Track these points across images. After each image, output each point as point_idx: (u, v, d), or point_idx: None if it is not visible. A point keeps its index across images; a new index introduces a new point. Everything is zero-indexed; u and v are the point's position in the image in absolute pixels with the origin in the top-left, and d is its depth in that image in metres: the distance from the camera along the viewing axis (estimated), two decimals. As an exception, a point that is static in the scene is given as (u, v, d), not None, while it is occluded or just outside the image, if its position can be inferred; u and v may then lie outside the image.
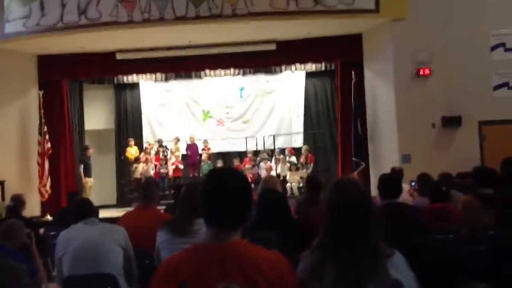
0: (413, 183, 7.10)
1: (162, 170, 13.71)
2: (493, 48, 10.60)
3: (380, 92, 11.51)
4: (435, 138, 10.51)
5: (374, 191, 4.98)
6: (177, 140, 14.24)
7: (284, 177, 13.17)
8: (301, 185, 12.94)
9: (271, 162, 13.82)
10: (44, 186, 11.67)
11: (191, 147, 14.18)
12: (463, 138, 10.47)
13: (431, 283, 2.26)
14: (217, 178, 1.98)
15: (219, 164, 13.86)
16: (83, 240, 3.67)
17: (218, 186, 1.94)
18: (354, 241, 2.03)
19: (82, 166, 12.62)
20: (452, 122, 10.46)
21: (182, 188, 4.28)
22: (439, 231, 4.24)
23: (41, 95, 12.03)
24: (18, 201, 6.79)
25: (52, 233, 6.42)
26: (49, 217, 11.13)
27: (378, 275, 1.98)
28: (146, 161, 13.49)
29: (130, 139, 14.31)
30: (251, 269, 1.85)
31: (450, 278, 3.08)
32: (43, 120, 11.82)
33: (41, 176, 11.66)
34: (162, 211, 5.24)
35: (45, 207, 11.85)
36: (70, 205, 7.61)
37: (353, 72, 12.12)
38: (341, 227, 2.07)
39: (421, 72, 10.62)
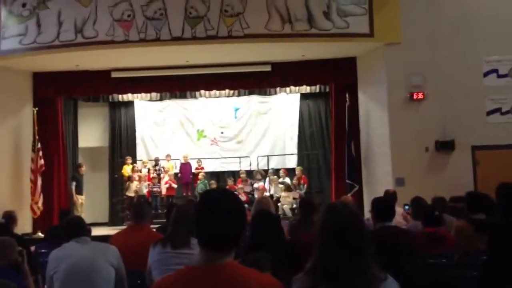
0: (406, 207, 7.11)
1: (155, 189, 13.65)
2: (486, 74, 10.71)
3: (373, 115, 11.58)
4: (429, 162, 10.56)
5: (367, 213, 4.99)
6: (169, 157, 14.23)
7: (278, 198, 13.15)
8: (294, 206, 12.91)
9: (264, 182, 13.80)
10: (36, 203, 11.60)
11: (184, 166, 14.17)
12: (456, 162, 10.52)
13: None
14: (211, 201, 1.97)
15: (213, 183, 13.84)
16: (75, 259, 3.64)
17: (212, 209, 1.93)
18: (346, 265, 2.04)
19: (74, 183, 12.59)
20: (445, 146, 10.52)
21: (174, 208, 4.30)
22: (432, 255, 4.25)
23: (35, 112, 12.02)
24: (10, 218, 6.73)
25: (43, 250, 6.36)
26: (40, 234, 11.03)
27: (371, 300, 1.98)
28: (140, 180, 13.44)
29: (127, 157, 14.28)
30: None
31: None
32: (37, 137, 11.79)
33: (33, 193, 11.59)
34: (154, 230, 5.21)
35: (37, 224, 11.76)
36: (61, 223, 7.54)
37: (347, 95, 12.21)
38: (333, 251, 2.07)
39: (415, 96, 10.70)
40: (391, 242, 3.81)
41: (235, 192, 13.02)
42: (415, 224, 5.36)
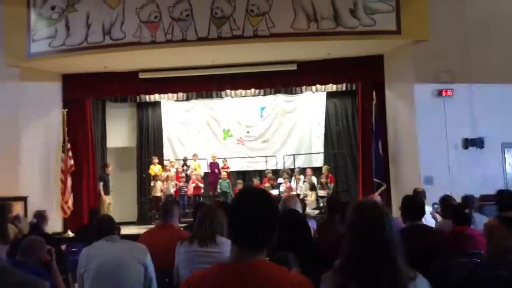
0: (436, 205, 7.02)
1: (183, 188, 13.77)
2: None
3: (401, 113, 11.46)
4: (458, 160, 10.39)
5: (395, 212, 4.93)
6: (196, 157, 14.32)
7: (304, 197, 13.11)
8: (321, 205, 12.86)
9: (290, 182, 13.78)
10: (66, 202, 11.81)
11: (213, 165, 14.25)
12: (486, 160, 10.33)
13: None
14: (247, 199, 1.98)
15: (239, 183, 13.87)
16: (105, 257, 3.70)
17: (247, 207, 1.94)
18: (376, 264, 2.02)
19: (101, 183, 12.76)
20: (474, 143, 10.34)
21: (200, 207, 4.33)
22: (462, 254, 4.18)
23: (65, 113, 12.22)
24: (41, 218, 6.87)
25: (73, 249, 6.49)
26: (70, 233, 11.22)
27: (401, 298, 1.96)
28: (167, 179, 13.57)
29: (154, 157, 14.43)
30: None
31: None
32: (66, 138, 11.99)
33: (63, 193, 11.80)
34: (182, 229, 5.24)
35: (67, 223, 11.96)
36: (92, 222, 7.68)
37: (374, 93, 12.09)
38: (363, 249, 2.06)
39: (443, 93, 10.55)
40: (421, 241, 3.77)
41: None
42: (445, 223, 5.29)
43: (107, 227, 3.94)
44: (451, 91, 10.53)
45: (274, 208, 2.00)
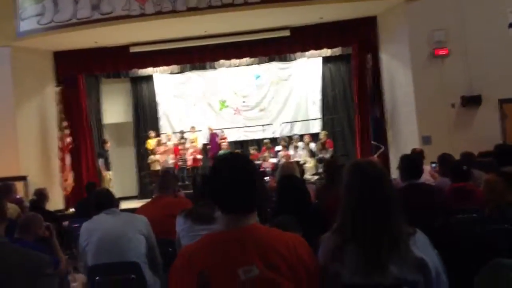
0: (433, 165, 7.03)
1: (182, 161, 13.78)
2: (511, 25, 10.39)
3: (397, 74, 11.39)
4: (455, 118, 10.37)
5: (394, 173, 4.92)
6: (194, 129, 14.29)
7: (303, 163, 13.12)
8: (319, 170, 12.89)
9: (288, 149, 13.78)
10: (66, 180, 11.84)
11: (213, 136, 14.23)
12: (483, 117, 10.31)
13: (455, 264, 2.23)
14: (224, 164, 1.98)
15: (238, 152, 13.84)
16: (106, 230, 3.71)
17: (226, 172, 1.93)
18: (374, 222, 2.02)
19: (101, 160, 12.78)
20: (472, 101, 10.30)
21: (196, 177, 4.30)
22: (461, 211, 4.20)
23: (58, 90, 12.14)
24: (41, 195, 6.89)
25: (75, 225, 6.52)
26: (72, 210, 11.27)
27: (400, 254, 1.96)
28: (164, 153, 13.58)
29: (150, 131, 14.40)
30: (271, 252, 1.85)
31: (475, 258, 3.04)
32: (62, 116, 11.94)
33: (62, 171, 11.82)
34: (180, 198, 5.22)
35: (68, 200, 12.01)
36: (89, 196, 7.70)
37: (369, 56, 12.01)
38: (361, 209, 2.05)
39: (439, 52, 10.46)
40: (420, 199, 3.77)
41: (259, 161, 13.19)
42: (443, 181, 5.28)
43: (106, 201, 3.94)
44: (447, 50, 10.43)
45: (253, 167, 2.00)
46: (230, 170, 1.94)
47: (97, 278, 3.48)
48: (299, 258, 1.88)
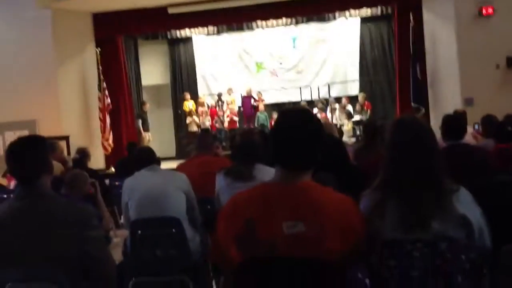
0: (476, 126, 6.86)
1: (219, 123, 13.87)
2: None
3: (440, 34, 11.06)
4: (499, 79, 10.05)
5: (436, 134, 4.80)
6: (231, 91, 14.29)
7: (341, 126, 13.03)
8: (357, 133, 12.78)
9: (326, 111, 13.67)
10: (107, 140, 12.07)
11: (246, 99, 14.20)
12: (528, 78, 9.97)
13: (497, 223, 2.19)
14: (289, 118, 1.94)
15: (275, 115, 13.84)
16: (148, 186, 3.78)
17: (290, 126, 1.90)
18: (417, 177, 1.99)
19: (140, 121, 12.99)
20: (517, 62, 9.96)
21: (236, 137, 4.30)
22: (505, 172, 4.09)
23: (98, 52, 12.28)
24: (83, 154, 7.05)
25: (116, 183, 6.68)
26: (113, 170, 11.53)
27: (443, 210, 1.94)
28: (201, 114, 13.69)
29: (186, 93, 14.49)
30: (319, 211, 1.84)
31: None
32: (101, 77, 12.10)
33: (103, 131, 12.05)
34: (219, 156, 5.26)
35: (109, 160, 12.28)
36: (130, 155, 7.85)
37: (411, 15, 11.66)
38: (404, 164, 2.03)
39: (484, 12, 10.09)
40: (462, 159, 3.69)
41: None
42: (487, 143, 5.15)
43: (147, 157, 4.01)
44: (492, 8, 10.03)
45: (318, 125, 1.95)
46: (293, 123, 1.90)
47: (139, 232, 3.57)
48: (350, 222, 1.86)
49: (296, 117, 1.93)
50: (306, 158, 1.90)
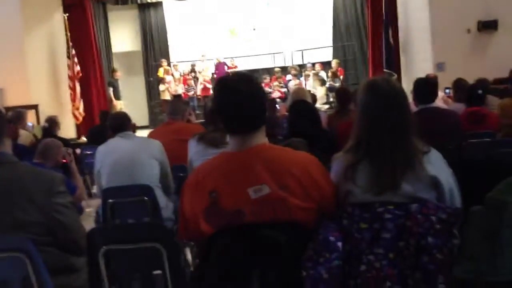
0: (447, 90, 6.93)
1: (191, 90, 13.72)
2: None
3: (412, -1, 11.04)
4: (471, 44, 10.12)
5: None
6: (204, 57, 14.11)
7: (315, 92, 13.01)
8: (331, 99, 12.80)
9: (299, 78, 13.63)
10: (77, 109, 11.86)
11: (219, 66, 14.05)
12: (499, 43, 10.04)
13: (467, 183, 2.21)
14: (227, 84, 1.95)
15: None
16: (120, 153, 3.72)
17: (230, 92, 1.90)
18: (388, 139, 1.98)
19: (111, 89, 12.76)
20: (488, 26, 10.02)
21: (207, 103, 4.25)
22: (475, 134, 4.16)
23: (66, 18, 11.93)
24: (53, 122, 6.93)
25: (88, 152, 6.59)
26: (84, 139, 11.36)
27: (414, 171, 1.94)
28: (174, 82, 13.52)
29: (162, 60, 14.24)
30: (282, 172, 1.85)
31: (489, 180, 3.02)
32: (70, 44, 11.80)
33: (73, 99, 11.82)
34: (191, 123, 5.20)
35: (80, 129, 12.10)
36: (102, 123, 7.73)
37: (383, -22, 11.60)
38: (376, 126, 2.01)
39: (455, -26, 10.07)
40: (433, 122, 3.72)
41: (270, 89, 13.09)
42: (458, 107, 5.21)
43: (121, 123, 3.92)
44: (464, -28, 10.03)
45: (254, 86, 1.95)
46: (228, 89, 1.91)
47: (111, 200, 3.53)
48: (311, 177, 1.88)
49: (231, 83, 1.93)
50: (253, 120, 1.91)
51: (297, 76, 13.62)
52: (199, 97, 13.87)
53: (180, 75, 14.02)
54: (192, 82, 13.81)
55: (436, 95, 4.08)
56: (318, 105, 12.22)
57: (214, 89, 2.03)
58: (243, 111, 1.89)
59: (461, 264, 1.80)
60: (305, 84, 13.39)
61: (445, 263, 1.79)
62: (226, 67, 14.04)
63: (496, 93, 5.86)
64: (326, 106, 12.63)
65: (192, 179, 1.99)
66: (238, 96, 1.88)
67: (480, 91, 4.68)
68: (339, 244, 1.85)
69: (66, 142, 6.41)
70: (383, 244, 1.86)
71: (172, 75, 13.78)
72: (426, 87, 4.03)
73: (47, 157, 4.25)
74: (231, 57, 14.38)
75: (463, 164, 2.97)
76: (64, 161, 4.49)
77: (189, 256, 3.49)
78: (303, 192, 1.85)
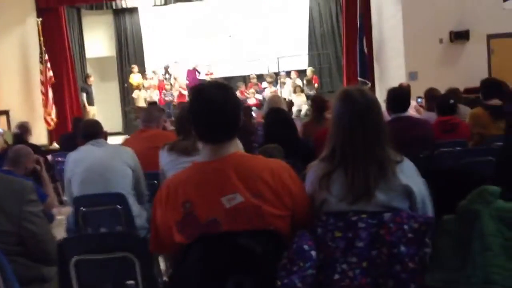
0: (419, 99, 7.03)
1: (168, 97, 13.64)
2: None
3: (386, 8, 11.18)
4: (443, 54, 10.28)
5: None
6: (178, 64, 14.06)
7: (290, 100, 13.07)
8: (306, 107, 12.88)
9: (276, 86, 13.69)
10: (49, 114, 11.68)
11: (191, 73, 14.01)
12: (471, 52, 10.21)
13: (440, 193, 2.24)
14: (201, 93, 1.92)
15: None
16: (92, 161, 3.66)
17: (204, 101, 1.89)
18: (362, 149, 2.00)
19: (84, 94, 12.62)
20: (460, 36, 10.18)
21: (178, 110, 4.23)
22: (447, 143, 4.22)
23: (39, 22, 11.76)
24: (24, 129, 6.78)
25: (59, 159, 6.48)
26: (56, 145, 11.20)
27: (387, 180, 1.96)
28: (149, 88, 13.43)
29: (133, 65, 14.17)
30: (254, 179, 1.85)
31: (460, 189, 3.06)
32: (43, 49, 11.64)
33: (45, 105, 11.64)
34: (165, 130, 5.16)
35: (52, 136, 11.92)
36: (75, 129, 7.63)
37: (358, -12, 11.75)
38: (350, 135, 2.03)
39: (428, -15, 10.24)
40: (406, 131, 3.77)
41: (248, 95, 13.10)
42: (429, 115, 5.29)
43: (93, 131, 3.86)
44: (436, -17, 10.21)
45: (231, 95, 1.95)
46: (203, 99, 1.90)
47: (82, 208, 3.47)
48: (284, 184, 1.88)
49: (206, 91, 1.91)
50: (226, 129, 1.90)
51: (273, 83, 13.67)
52: (175, 103, 13.80)
53: (158, 80, 13.93)
54: (169, 87, 13.71)
55: (408, 104, 4.13)
56: (294, 112, 12.31)
57: (188, 96, 2.00)
58: (218, 120, 1.88)
59: (433, 273, 1.81)
60: (281, 92, 13.45)
61: (417, 271, 1.81)
62: (197, 74, 14.00)
63: (467, 102, 5.97)
64: (302, 113, 12.71)
65: (163, 192, 1.96)
66: (212, 105, 1.87)
67: (451, 101, 4.75)
68: (313, 253, 1.85)
69: (37, 148, 6.30)
70: (357, 252, 1.87)
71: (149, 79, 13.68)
72: (399, 96, 4.08)
73: (17, 165, 4.17)
74: (207, 64, 14.35)
75: (435, 173, 3.00)
76: (35, 168, 4.40)
77: (162, 266, 3.45)
78: (276, 199, 1.85)
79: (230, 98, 1.93)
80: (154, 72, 14.18)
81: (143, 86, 13.62)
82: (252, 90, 13.43)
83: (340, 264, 1.86)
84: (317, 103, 5.95)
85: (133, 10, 14.97)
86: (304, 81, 13.49)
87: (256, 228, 1.82)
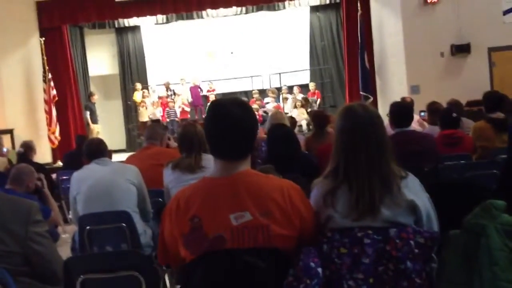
0: (422, 113, 7.04)
1: (171, 113, 13.68)
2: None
3: (387, 22, 11.25)
4: (444, 67, 10.32)
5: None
6: (183, 80, 14.12)
7: (292, 116, 13.09)
8: (306, 122, 12.89)
9: (278, 101, 13.73)
10: (53, 133, 11.73)
11: (194, 89, 14.05)
12: (472, 66, 10.26)
13: (444, 207, 2.24)
14: (220, 109, 1.92)
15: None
16: (96, 179, 3.67)
17: (222, 118, 1.89)
18: (367, 165, 2.00)
19: (88, 113, 12.66)
20: (461, 50, 10.23)
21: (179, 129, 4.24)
22: (450, 157, 4.22)
23: (42, 42, 11.86)
24: (28, 147, 6.82)
25: (64, 177, 6.50)
26: (60, 163, 11.22)
27: (392, 196, 1.96)
28: (152, 105, 13.47)
29: (136, 83, 14.22)
30: (263, 198, 1.85)
31: (464, 203, 3.06)
32: (46, 68, 11.71)
33: (49, 124, 11.69)
34: (168, 148, 5.19)
35: (56, 154, 11.94)
36: (78, 147, 7.64)
37: (358, 3, 11.81)
38: (353, 152, 2.03)
39: (429, 0, 10.31)
40: (410, 146, 3.77)
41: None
42: (432, 129, 5.30)
43: (97, 150, 3.88)
44: (437, -3, 10.29)
45: (250, 114, 1.95)
46: (221, 114, 1.90)
47: (88, 227, 3.47)
48: (294, 205, 1.88)
49: (226, 108, 1.90)
50: (241, 147, 1.91)
51: (275, 99, 13.71)
52: (178, 120, 13.82)
53: (158, 97, 13.98)
54: (173, 104, 13.75)
55: (412, 118, 4.12)
56: (296, 127, 12.29)
57: (206, 112, 1.99)
58: (234, 137, 1.88)
59: (440, 288, 1.81)
60: (283, 107, 13.48)
61: (424, 287, 1.81)
62: (200, 91, 14.03)
63: (470, 115, 5.98)
64: (304, 128, 12.71)
65: (172, 205, 1.96)
66: (231, 122, 1.87)
67: (454, 114, 4.75)
68: (320, 270, 1.85)
69: (41, 167, 6.32)
70: (363, 269, 1.86)
71: (152, 97, 13.73)
72: (402, 111, 4.08)
73: (19, 183, 4.20)
74: (209, 81, 14.41)
75: (439, 187, 3.00)
76: (37, 186, 4.41)
77: (168, 283, 3.44)
78: (285, 219, 1.85)
79: (249, 116, 1.93)
80: (152, 89, 14.20)
81: (145, 103, 13.66)
82: (255, 105, 13.45)
83: (347, 281, 1.86)
84: (318, 118, 5.97)
85: (135, 29, 15.08)
86: (308, 96, 13.52)
87: (260, 246, 1.82)
